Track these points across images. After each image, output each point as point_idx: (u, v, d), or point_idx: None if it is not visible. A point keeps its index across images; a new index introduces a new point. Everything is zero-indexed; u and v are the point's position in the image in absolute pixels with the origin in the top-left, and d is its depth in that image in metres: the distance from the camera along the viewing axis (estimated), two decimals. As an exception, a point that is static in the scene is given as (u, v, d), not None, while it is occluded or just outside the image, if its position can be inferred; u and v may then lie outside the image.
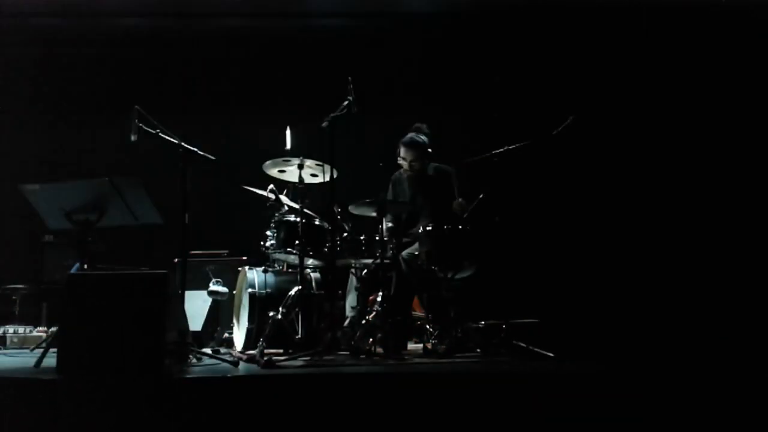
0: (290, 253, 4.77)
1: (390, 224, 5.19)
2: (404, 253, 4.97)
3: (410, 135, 5.21)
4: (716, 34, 6.32)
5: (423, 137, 5.20)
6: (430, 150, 5.19)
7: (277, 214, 4.92)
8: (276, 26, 6.82)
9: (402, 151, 5.19)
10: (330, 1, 6.80)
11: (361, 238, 4.80)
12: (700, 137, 6.23)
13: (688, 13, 6.32)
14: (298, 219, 4.67)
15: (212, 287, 5.37)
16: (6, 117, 6.50)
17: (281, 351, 4.55)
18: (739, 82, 6.26)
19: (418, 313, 5.11)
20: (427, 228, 4.78)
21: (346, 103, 4.52)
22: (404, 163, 5.23)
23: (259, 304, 4.81)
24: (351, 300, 5.09)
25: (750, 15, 6.28)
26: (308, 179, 4.79)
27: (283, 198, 5.00)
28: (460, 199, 5.02)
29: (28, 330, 5.55)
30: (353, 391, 3.40)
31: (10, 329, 5.50)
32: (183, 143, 4.36)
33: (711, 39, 6.33)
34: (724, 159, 6.21)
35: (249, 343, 4.76)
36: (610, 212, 6.13)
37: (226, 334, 5.40)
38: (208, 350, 4.59)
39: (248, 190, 5.04)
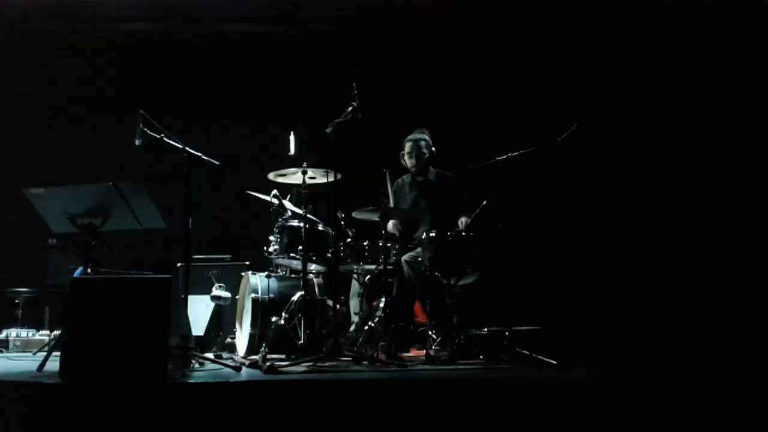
0: (293, 258, 4.77)
1: (393, 222, 5.17)
2: (407, 256, 4.97)
3: (414, 133, 5.36)
4: (721, 36, 6.32)
5: (425, 136, 5.32)
6: (433, 149, 5.24)
7: (280, 219, 4.92)
8: (281, 31, 6.84)
9: (407, 146, 5.29)
10: (334, 6, 6.81)
11: (365, 243, 4.80)
12: (705, 144, 6.23)
13: (692, 19, 6.33)
14: (302, 224, 4.67)
15: (215, 292, 5.36)
16: (11, 120, 6.52)
17: (284, 356, 4.54)
18: (744, 84, 6.25)
19: (421, 319, 5.11)
20: (431, 234, 4.78)
21: (350, 108, 4.52)
22: (409, 161, 5.27)
23: (262, 309, 4.80)
24: (354, 305, 5.09)
25: (753, 15, 6.28)
26: (308, 182, 4.78)
27: (287, 203, 5.00)
28: (463, 219, 5.04)
29: (31, 333, 5.55)
30: (355, 398, 3.39)
31: (13, 332, 5.50)
32: (187, 148, 4.37)
33: (716, 42, 6.33)
34: (728, 165, 6.20)
35: (251, 348, 4.76)
36: (614, 219, 6.13)
37: (228, 339, 5.40)
38: (211, 355, 4.59)
39: (252, 195, 5.05)
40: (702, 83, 6.30)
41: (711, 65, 6.34)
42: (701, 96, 6.28)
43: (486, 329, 4.90)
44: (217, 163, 4.56)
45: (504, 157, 4.77)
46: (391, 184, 5.39)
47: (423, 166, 5.30)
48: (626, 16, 6.37)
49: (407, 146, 5.30)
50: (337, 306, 4.70)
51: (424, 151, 5.26)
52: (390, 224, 5.10)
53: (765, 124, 6.21)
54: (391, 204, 5.30)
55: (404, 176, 5.41)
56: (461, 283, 4.76)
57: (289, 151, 4.85)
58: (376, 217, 4.77)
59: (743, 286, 5.85)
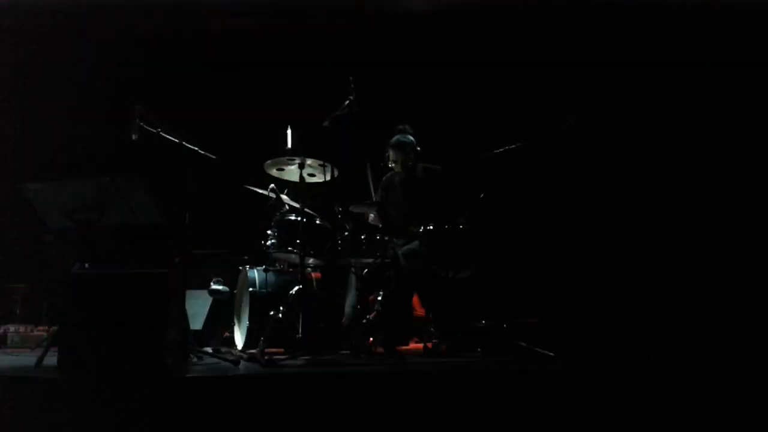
0: (291, 252, 4.77)
1: (374, 215, 5.13)
2: (404, 249, 4.96)
3: (396, 136, 5.22)
4: (716, 33, 6.30)
5: (409, 137, 5.21)
6: (418, 149, 5.20)
7: (278, 214, 4.92)
8: (277, 25, 6.82)
9: (391, 153, 5.19)
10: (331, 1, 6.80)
11: (362, 237, 4.79)
12: (702, 138, 6.22)
13: (688, 13, 6.31)
14: (299, 218, 4.67)
15: (213, 286, 5.37)
16: (7, 116, 6.50)
17: (282, 350, 4.55)
18: (740, 83, 6.24)
19: (419, 312, 5.12)
20: (429, 228, 4.78)
21: (347, 102, 4.51)
22: (395, 165, 5.22)
23: (260, 303, 4.82)
24: (351, 299, 5.09)
25: (748, 15, 6.27)
26: (307, 179, 4.79)
27: (284, 197, 5.00)
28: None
29: (28, 329, 5.56)
30: (354, 391, 3.40)
31: (11, 328, 5.50)
32: (184, 142, 4.36)
33: (711, 38, 6.32)
34: (725, 160, 6.19)
35: (250, 342, 4.77)
36: (610, 212, 6.13)
37: (226, 334, 5.41)
38: (209, 349, 4.59)
39: (249, 189, 5.05)
40: (701, 73, 6.29)
41: (708, 56, 6.33)
42: (700, 87, 6.27)
43: (484, 322, 4.91)
44: (214, 157, 4.55)
45: (501, 150, 4.77)
46: (376, 178, 5.35)
47: (410, 167, 5.24)
48: (624, 7, 6.36)
49: (392, 154, 5.19)
50: (335, 300, 4.71)
51: (410, 155, 5.19)
52: (371, 216, 5.07)
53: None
54: (374, 198, 5.28)
55: (391, 173, 5.37)
56: (459, 276, 4.76)
57: (286, 145, 4.84)
58: (373, 212, 4.77)
59: (741, 278, 5.85)
